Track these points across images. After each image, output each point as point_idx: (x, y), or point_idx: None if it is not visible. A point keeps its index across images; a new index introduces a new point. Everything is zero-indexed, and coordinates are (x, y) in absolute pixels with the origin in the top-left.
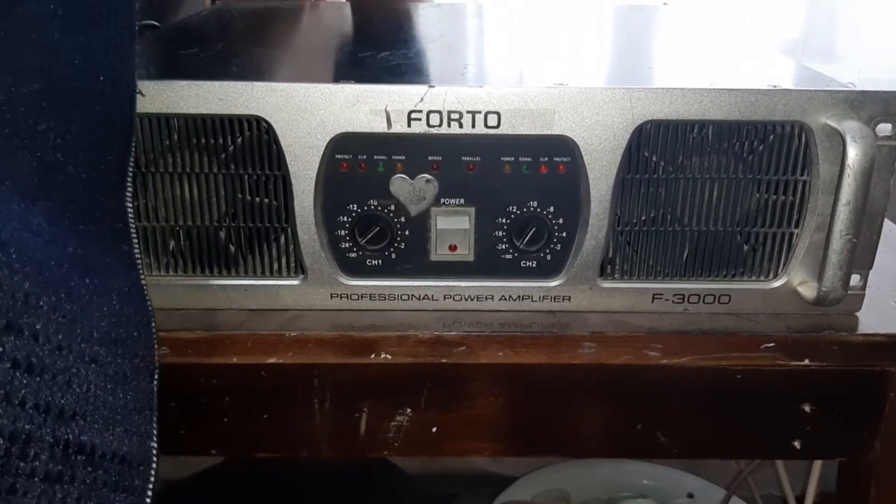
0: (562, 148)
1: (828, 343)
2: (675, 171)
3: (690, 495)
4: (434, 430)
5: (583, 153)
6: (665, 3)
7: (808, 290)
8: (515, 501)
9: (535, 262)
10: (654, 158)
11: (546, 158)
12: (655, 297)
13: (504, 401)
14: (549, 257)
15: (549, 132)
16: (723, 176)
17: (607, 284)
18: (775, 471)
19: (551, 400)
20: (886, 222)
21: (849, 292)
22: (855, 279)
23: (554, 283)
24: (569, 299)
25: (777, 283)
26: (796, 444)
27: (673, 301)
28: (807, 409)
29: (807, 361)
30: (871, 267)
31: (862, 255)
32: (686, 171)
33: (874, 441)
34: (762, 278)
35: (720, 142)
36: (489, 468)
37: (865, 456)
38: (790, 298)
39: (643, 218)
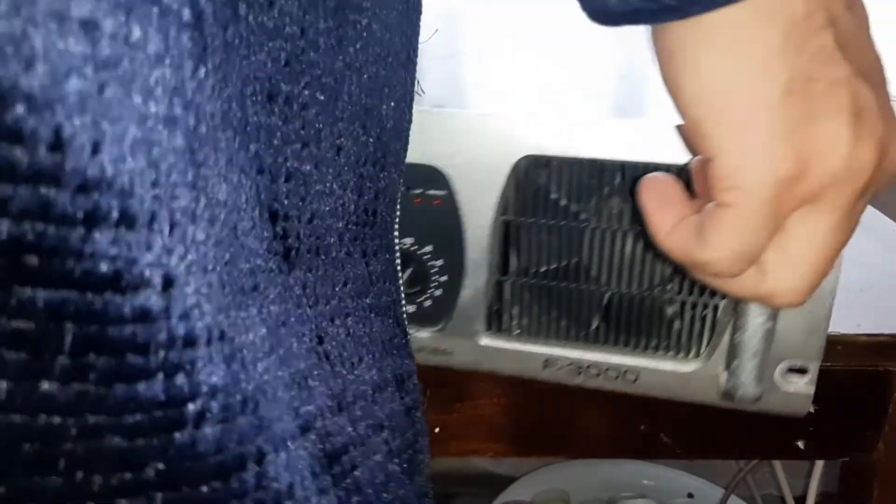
0: (435, 180)
1: (831, 343)
2: (573, 215)
3: (690, 495)
4: (437, 430)
5: (456, 189)
6: None
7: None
8: (515, 501)
9: (414, 307)
10: (555, 196)
11: (419, 191)
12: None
13: (507, 401)
14: (427, 304)
15: (418, 161)
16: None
17: (490, 342)
18: (775, 471)
19: (554, 400)
20: (887, 222)
21: (786, 389)
22: (783, 372)
23: (428, 334)
24: (452, 354)
25: (691, 367)
26: (800, 444)
27: (567, 371)
28: (810, 409)
29: None
30: (819, 358)
31: (799, 340)
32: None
33: (878, 441)
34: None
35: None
36: (489, 468)
37: (869, 456)
38: (709, 384)
39: (537, 270)
